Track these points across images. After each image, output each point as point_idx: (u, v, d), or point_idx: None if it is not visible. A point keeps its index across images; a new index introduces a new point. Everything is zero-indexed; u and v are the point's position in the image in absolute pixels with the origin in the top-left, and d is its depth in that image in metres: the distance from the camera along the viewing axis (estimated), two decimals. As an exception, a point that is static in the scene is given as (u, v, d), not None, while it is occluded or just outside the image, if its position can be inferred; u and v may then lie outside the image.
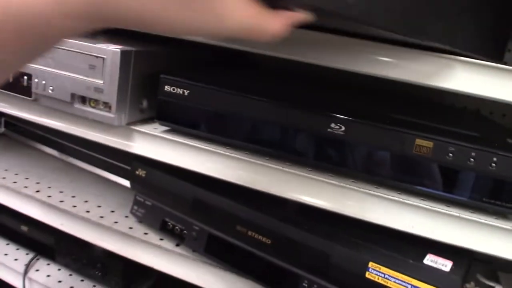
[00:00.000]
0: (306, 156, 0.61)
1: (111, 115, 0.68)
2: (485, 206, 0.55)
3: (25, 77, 0.74)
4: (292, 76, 0.97)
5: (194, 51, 0.86)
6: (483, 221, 0.55)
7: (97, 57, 0.67)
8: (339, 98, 0.79)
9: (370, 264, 0.56)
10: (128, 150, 0.71)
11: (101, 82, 0.67)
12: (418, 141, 0.56)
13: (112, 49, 0.65)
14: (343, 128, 0.58)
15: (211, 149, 0.65)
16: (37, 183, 0.91)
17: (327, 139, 0.59)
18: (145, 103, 0.73)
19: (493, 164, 0.54)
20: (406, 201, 0.57)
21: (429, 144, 0.55)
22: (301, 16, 0.40)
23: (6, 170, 0.95)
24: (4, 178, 0.91)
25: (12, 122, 1.16)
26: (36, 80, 0.72)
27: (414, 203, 0.56)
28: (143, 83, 0.71)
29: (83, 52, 0.68)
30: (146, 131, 0.69)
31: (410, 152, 0.56)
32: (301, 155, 0.62)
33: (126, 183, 0.88)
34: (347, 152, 0.59)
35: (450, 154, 0.55)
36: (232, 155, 0.64)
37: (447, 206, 0.57)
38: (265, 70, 1.02)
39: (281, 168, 0.62)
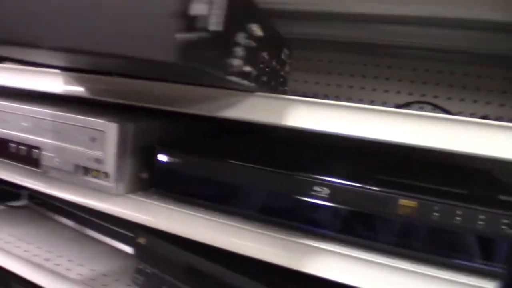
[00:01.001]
0: (297, 221, 0.62)
1: (110, 184, 0.71)
2: (479, 268, 0.54)
3: (35, 150, 0.78)
4: (293, 144, 0.99)
5: (193, 122, 0.90)
6: (477, 284, 0.53)
7: (97, 130, 0.70)
8: (327, 162, 0.79)
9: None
10: (127, 219, 0.73)
11: (101, 153, 0.70)
12: (402, 202, 0.56)
13: (111, 123, 0.69)
14: (327, 191, 0.58)
15: (204, 216, 0.67)
16: (48, 252, 0.94)
17: (312, 203, 0.60)
18: (145, 173, 0.75)
19: (480, 222, 0.53)
20: (397, 265, 0.55)
21: (413, 204, 0.55)
22: None
23: (20, 239, 0.98)
24: (18, 247, 0.94)
25: (35, 195, 1.21)
26: (44, 152, 0.77)
27: (407, 268, 0.55)
28: (143, 154, 0.74)
29: (85, 126, 0.72)
30: (143, 199, 0.71)
31: (395, 213, 0.56)
32: (291, 220, 0.62)
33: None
34: (333, 215, 0.59)
35: (435, 214, 0.54)
36: (225, 222, 0.65)
37: (440, 269, 0.55)
38: (264, 138, 1.04)
39: (271, 234, 0.62)
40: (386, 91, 1.09)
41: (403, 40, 0.94)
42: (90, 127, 0.71)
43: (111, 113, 0.75)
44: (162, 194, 0.72)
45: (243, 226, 0.64)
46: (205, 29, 0.41)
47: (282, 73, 0.79)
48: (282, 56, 0.78)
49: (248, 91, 0.62)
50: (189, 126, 0.91)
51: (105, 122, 0.69)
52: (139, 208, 0.72)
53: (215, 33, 0.44)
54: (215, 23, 0.43)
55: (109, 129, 0.69)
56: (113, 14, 0.40)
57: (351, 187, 0.58)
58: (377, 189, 0.57)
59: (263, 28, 0.58)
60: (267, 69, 0.67)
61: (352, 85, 1.12)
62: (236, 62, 0.52)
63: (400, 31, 0.88)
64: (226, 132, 1.00)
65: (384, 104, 1.08)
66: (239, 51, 0.52)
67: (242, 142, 0.93)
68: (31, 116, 0.77)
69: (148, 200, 0.71)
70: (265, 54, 0.64)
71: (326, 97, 1.15)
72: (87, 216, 1.05)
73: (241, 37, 0.52)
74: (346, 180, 0.58)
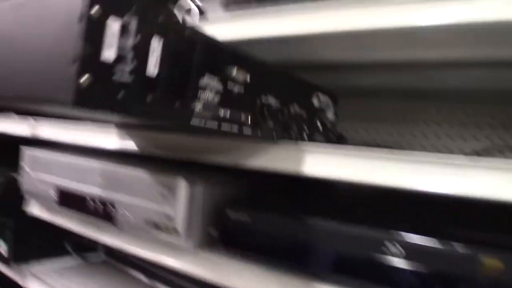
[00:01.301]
0: (368, 280, 0.58)
1: (180, 240, 0.71)
2: None
3: (109, 206, 0.80)
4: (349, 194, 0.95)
5: (263, 179, 0.89)
6: None
7: (168, 188, 0.72)
8: (391, 216, 0.75)
9: None
10: (196, 276, 0.72)
11: (172, 210, 0.71)
12: (486, 261, 0.51)
13: (180, 180, 0.70)
14: (402, 250, 0.55)
15: (275, 274, 0.65)
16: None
17: (384, 262, 0.56)
18: (214, 229, 0.75)
19: None
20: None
21: (499, 263, 0.50)
22: None
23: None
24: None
25: (111, 249, 1.24)
26: (118, 208, 0.79)
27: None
28: (211, 210, 0.74)
29: (156, 183, 0.73)
30: (212, 256, 0.71)
31: (478, 274, 0.51)
32: (361, 278, 0.59)
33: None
34: (407, 275, 0.55)
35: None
36: (296, 280, 0.63)
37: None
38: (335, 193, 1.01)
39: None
40: (463, 138, 1.03)
41: (477, 84, 0.90)
42: (160, 184, 0.73)
43: (174, 169, 0.76)
44: (231, 251, 0.71)
45: (315, 285, 0.62)
46: (128, 74, 0.42)
47: (316, 120, 0.78)
48: (315, 102, 0.77)
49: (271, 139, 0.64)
50: (263, 184, 0.90)
51: (175, 179, 0.71)
52: (208, 265, 0.71)
53: (146, 78, 0.45)
54: (147, 68, 0.45)
55: (179, 186, 0.70)
56: (19, 58, 0.42)
57: (429, 246, 0.54)
58: (460, 246, 0.52)
59: (253, 72, 0.60)
60: (279, 116, 0.67)
61: (427, 135, 1.08)
62: (200, 106, 0.52)
63: (473, 75, 0.84)
64: (278, 183, 0.98)
65: (461, 151, 1.03)
66: (208, 94, 0.53)
67: (300, 195, 0.90)
68: (105, 173, 0.81)
69: (218, 257, 0.70)
70: (269, 100, 0.64)
71: (400, 146, 1.11)
72: (159, 272, 1.06)
73: (208, 81, 0.53)
74: (422, 236, 0.55)
